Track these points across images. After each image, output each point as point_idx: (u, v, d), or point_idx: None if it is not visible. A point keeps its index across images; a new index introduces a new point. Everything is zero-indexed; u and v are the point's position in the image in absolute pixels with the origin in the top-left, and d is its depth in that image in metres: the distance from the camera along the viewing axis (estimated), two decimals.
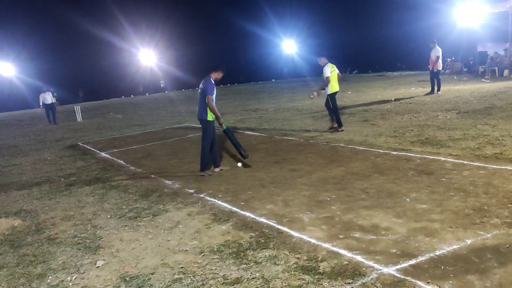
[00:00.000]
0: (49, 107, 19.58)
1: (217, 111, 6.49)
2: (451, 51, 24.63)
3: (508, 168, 5.39)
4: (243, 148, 6.86)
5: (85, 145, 11.48)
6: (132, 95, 41.98)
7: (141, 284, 3.36)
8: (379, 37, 35.19)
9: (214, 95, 6.53)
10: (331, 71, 9.36)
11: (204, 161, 6.64)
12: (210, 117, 6.55)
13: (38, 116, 26.16)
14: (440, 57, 14.84)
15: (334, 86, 9.50)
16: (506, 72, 19.78)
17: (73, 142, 12.38)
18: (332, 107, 9.56)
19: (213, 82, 6.50)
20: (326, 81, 9.34)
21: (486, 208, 4.18)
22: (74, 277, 3.63)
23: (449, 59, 24.94)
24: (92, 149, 10.65)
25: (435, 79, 14.88)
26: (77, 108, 21.03)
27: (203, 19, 48.23)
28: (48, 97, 19.56)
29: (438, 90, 14.73)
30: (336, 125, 9.58)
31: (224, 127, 6.77)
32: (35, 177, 7.94)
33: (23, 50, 36.63)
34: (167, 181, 6.56)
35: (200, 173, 6.65)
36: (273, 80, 43.04)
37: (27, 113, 31.37)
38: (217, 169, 6.83)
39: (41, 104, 19.67)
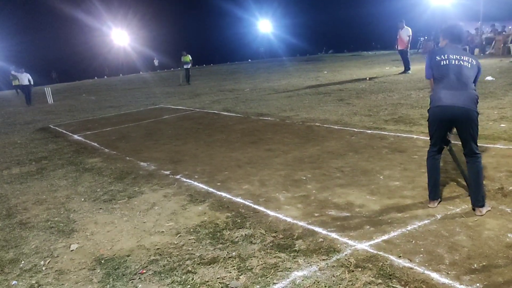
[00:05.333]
0: (25, 88, 19.21)
1: None
2: (424, 30, 24.94)
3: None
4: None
5: (56, 128, 11.20)
6: (105, 76, 41.08)
7: (116, 267, 3.34)
8: (354, 17, 35.30)
9: None
10: None
11: None
12: None
13: (7, 98, 25.34)
14: (411, 37, 15.02)
15: None
16: (476, 51, 20.19)
17: (44, 125, 12.06)
18: None
19: None
20: None
21: (455, 183, 4.30)
22: (48, 261, 3.57)
23: (422, 38, 25.26)
24: (64, 131, 10.41)
25: (407, 58, 15.07)
26: (48, 90, 20.43)
27: None
28: (26, 79, 19.10)
29: (409, 69, 14.94)
30: None
31: None
32: (5, 161, 7.72)
33: None
34: (142, 163, 6.48)
35: None
36: (249, 60, 42.75)
37: None
38: None
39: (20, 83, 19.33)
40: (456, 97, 3.52)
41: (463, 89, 3.53)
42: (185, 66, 21.95)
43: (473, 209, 3.66)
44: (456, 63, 3.59)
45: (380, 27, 31.70)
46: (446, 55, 3.64)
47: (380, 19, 30.84)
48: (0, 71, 31.23)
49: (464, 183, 4.15)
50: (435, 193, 3.89)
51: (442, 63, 3.64)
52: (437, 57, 3.69)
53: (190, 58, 21.90)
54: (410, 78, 13.47)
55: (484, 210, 3.61)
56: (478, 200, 3.64)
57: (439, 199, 3.91)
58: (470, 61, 3.61)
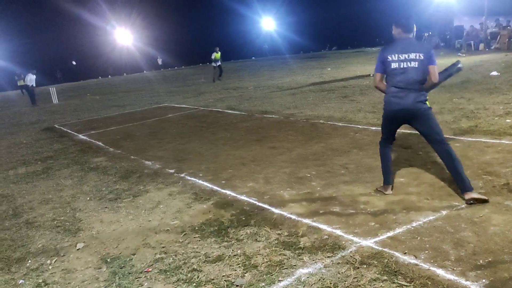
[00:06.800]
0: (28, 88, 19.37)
1: None
2: (428, 25, 24.79)
3: (483, 140, 5.51)
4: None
5: (62, 128, 11.25)
6: (109, 76, 41.18)
7: (122, 265, 3.35)
8: (357, 13, 35.15)
9: None
10: None
11: None
12: None
13: (12, 99, 25.48)
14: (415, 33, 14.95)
15: None
16: (481, 46, 20.07)
17: (50, 125, 12.12)
18: None
19: None
20: None
21: None
22: (54, 260, 3.59)
23: (426, 34, 25.11)
24: (69, 131, 10.45)
25: None
26: (53, 90, 20.52)
27: None
28: (33, 78, 19.24)
29: None
30: None
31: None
32: (11, 160, 7.77)
33: None
34: (147, 162, 6.50)
35: None
36: (253, 58, 42.71)
37: (1, 95, 30.52)
38: None
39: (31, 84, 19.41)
40: (404, 99, 3.80)
41: (410, 91, 3.78)
42: (217, 63, 21.16)
43: (464, 198, 3.74)
44: (404, 65, 3.79)
45: (383, 23, 31.54)
46: (396, 56, 3.83)
47: (384, 15, 30.70)
48: (4, 71, 31.39)
49: (469, 179, 4.12)
50: (389, 178, 4.19)
51: (392, 66, 3.85)
52: (388, 57, 3.87)
53: (220, 56, 21.28)
54: None
55: (473, 194, 3.68)
56: (465, 185, 3.73)
57: (391, 185, 4.20)
58: (417, 57, 3.76)
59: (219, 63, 21.24)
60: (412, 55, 3.77)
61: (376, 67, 4.04)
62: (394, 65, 3.83)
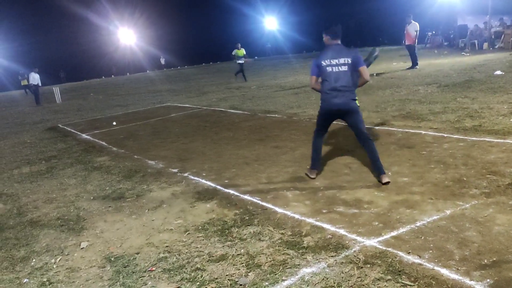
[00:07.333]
0: (33, 88, 19.42)
1: None
2: (432, 25, 24.72)
3: (487, 139, 5.49)
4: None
5: (65, 127, 11.28)
6: (112, 75, 41.26)
7: (126, 264, 3.36)
8: (360, 12, 35.08)
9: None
10: None
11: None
12: None
13: (16, 99, 25.57)
14: (418, 32, 14.90)
15: None
16: (485, 45, 19.99)
17: (53, 124, 12.16)
18: None
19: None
20: None
21: (465, 179, 4.27)
22: (58, 259, 3.61)
23: (429, 33, 25.04)
24: (73, 130, 10.48)
25: (414, 53, 14.95)
26: (56, 89, 20.58)
27: None
28: (36, 77, 19.26)
29: (417, 65, 14.82)
30: None
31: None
32: (15, 160, 7.80)
33: None
34: (150, 161, 6.51)
35: None
36: (255, 57, 42.69)
37: (4, 95, 30.64)
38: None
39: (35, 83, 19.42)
40: (339, 98, 4.38)
41: (343, 91, 4.37)
42: (239, 61, 19.02)
43: (380, 181, 4.41)
44: (335, 70, 4.39)
45: (387, 22, 31.49)
46: (329, 61, 4.42)
47: (387, 14, 30.63)
48: (8, 71, 31.49)
49: (473, 179, 4.13)
50: (317, 164, 4.84)
51: (327, 70, 4.43)
52: (322, 62, 4.45)
53: (244, 52, 18.98)
54: (418, 73, 13.37)
55: (387, 177, 4.42)
56: (380, 170, 4.46)
57: (317, 171, 4.82)
58: (346, 62, 4.37)
59: (242, 61, 19.02)
60: (342, 60, 4.37)
61: (311, 70, 4.61)
62: (328, 69, 4.41)
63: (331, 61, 4.40)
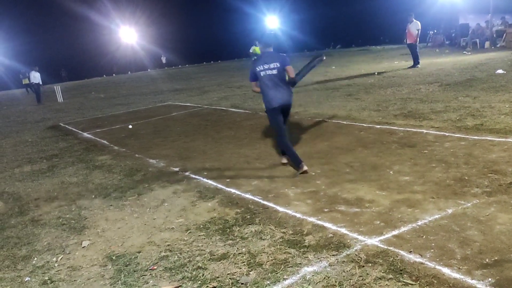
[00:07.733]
0: (35, 87, 19.41)
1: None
2: (433, 23, 24.65)
3: (488, 138, 5.48)
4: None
5: (66, 126, 11.29)
6: (113, 74, 41.28)
7: (128, 263, 3.37)
8: (362, 11, 35.01)
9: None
10: None
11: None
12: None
13: (17, 98, 25.60)
14: (420, 31, 14.87)
15: None
16: (487, 44, 19.93)
17: (55, 123, 12.17)
18: None
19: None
20: None
21: (466, 178, 4.26)
22: (60, 257, 3.61)
23: (431, 32, 24.97)
24: (74, 129, 10.49)
25: (416, 52, 14.92)
26: (58, 88, 20.59)
27: None
28: (37, 76, 19.26)
29: (418, 64, 14.78)
30: None
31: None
32: (16, 159, 7.81)
33: None
34: (151, 160, 6.51)
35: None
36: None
37: (6, 94, 30.67)
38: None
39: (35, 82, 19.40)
40: (284, 96, 5.08)
41: (280, 89, 5.05)
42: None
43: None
44: (268, 73, 5.05)
45: (388, 21, 31.39)
46: (262, 66, 5.07)
47: (388, 13, 30.53)
48: (9, 70, 31.51)
49: (475, 178, 4.12)
50: (298, 159, 5.06)
51: (261, 74, 5.08)
52: (257, 68, 5.11)
53: None
54: (419, 72, 13.35)
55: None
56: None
57: (302, 161, 5.06)
58: (275, 66, 5.04)
59: None
60: (272, 65, 5.04)
61: (250, 76, 5.26)
62: (263, 73, 5.06)
63: (264, 66, 5.06)
